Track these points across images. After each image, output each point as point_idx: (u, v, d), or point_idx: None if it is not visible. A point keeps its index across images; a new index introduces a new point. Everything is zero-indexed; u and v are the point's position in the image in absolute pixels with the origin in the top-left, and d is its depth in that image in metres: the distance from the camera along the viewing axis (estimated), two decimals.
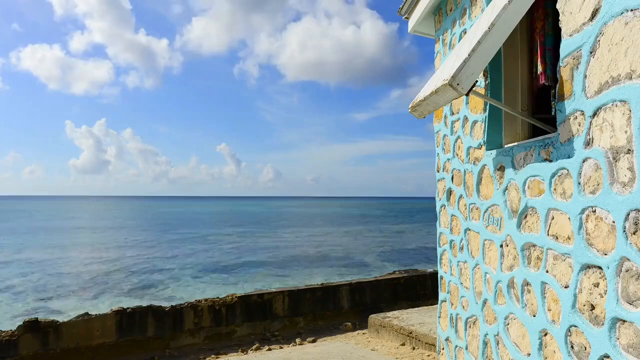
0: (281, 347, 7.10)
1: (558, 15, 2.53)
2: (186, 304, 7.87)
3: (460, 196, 4.06)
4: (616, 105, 2.03)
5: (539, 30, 3.15)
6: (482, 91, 3.55)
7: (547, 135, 2.72)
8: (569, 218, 2.40)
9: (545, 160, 2.66)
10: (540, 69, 3.09)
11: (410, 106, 3.51)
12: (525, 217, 2.91)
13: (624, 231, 1.95)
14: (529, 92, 3.45)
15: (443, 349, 4.51)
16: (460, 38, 4.01)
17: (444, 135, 4.49)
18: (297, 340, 7.53)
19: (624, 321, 1.97)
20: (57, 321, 6.85)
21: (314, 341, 7.42)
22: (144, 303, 8.54)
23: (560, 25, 2.49)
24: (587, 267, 2.25)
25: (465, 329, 3.93)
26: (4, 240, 35.47)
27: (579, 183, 2.31)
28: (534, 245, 2.79)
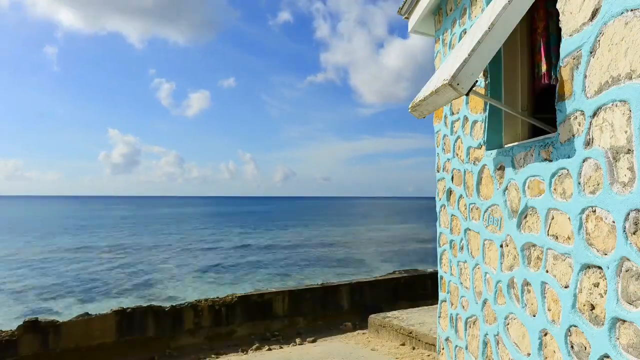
0: (281, 347, 7.10)
1: (559, 15, 2.53)
2: (186, 304, 7.88)
3: (460, 196, 4.06)
4: (616, 105, 2.02)
5: (540, 30, 3.15)
6: (482, 91, 3.55)
7: (547, 135, 2.72)
8: (569, 218, 2.40)
9: (545, 160, 2.66)
10: (543, 69, 3.09)
11: (410, 106, 3.51)
12: (525, 217, 2.91)
13: (624, 231, 1.95)
14: (529, 92, 3.44)
15: (443, 349, 4.51)
16: (460, 38, 4.01)
17: (444, 135, 4.49)
18: (297, 340, 7.53)
19: (624, 321, 1.97)
20: (57, 321, 6.86)
21: (314, 341, 7.42)
22: (144, 303, 8.54)
23: (560, 25, 2.49)
24: (587, 267, 2.25)
25: (465, 329, 3.93)
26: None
27: (579, 183, 2.31)
28: (534, 245, 2.79)
